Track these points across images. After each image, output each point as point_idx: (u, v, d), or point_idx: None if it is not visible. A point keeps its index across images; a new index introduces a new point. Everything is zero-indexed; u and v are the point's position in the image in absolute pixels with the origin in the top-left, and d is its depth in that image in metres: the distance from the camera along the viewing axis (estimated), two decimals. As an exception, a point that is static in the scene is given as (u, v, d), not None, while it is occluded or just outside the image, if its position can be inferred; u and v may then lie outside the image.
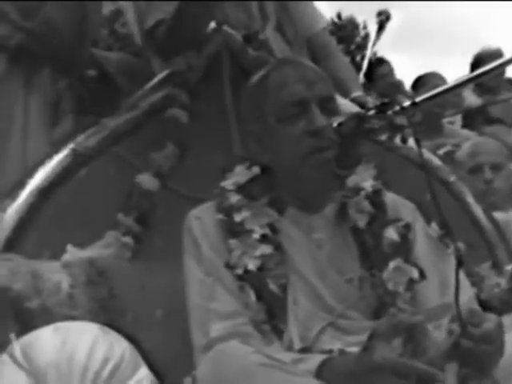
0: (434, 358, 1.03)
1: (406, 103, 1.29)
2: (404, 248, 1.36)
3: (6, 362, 1.16)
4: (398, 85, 3.97)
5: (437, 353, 1.04)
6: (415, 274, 1.34)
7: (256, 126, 1.39)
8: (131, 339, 1.26)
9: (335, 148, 1.30)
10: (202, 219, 1.36)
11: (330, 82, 1.41)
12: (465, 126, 3.70)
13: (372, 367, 1.02)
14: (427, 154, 1.88)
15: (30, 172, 1.63)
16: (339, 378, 1.06)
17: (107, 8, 2.07)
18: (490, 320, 1.11)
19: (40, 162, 1.65)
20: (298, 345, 1.26)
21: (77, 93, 1.91)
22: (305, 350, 1.24)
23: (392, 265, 1.33)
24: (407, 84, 4.00)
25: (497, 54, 3.62)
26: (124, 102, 1.80)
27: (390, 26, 3.64)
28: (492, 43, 4.08)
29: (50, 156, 1.66)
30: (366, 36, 17.56)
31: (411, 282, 1.33)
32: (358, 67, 3.93)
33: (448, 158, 2.43)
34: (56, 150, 1.67)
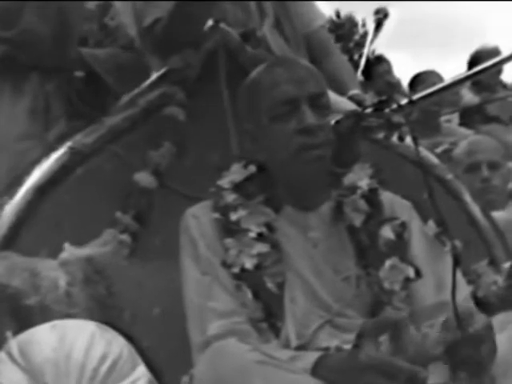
0: (415, 355, 1.04)
1: (404, 101, 1.29)
2: (400, 247, 1.37)
3: (3, 360, 1.16)
4: (396, 84, 3.97)
5: (418, 350, 1.05)
6: (411, 272, 1.34)
7: (250, 125, 1.40)
8: (129, 337, 1.26)
9: (330, 145, 1.30)
10: (198, 218, 1.36)
11: (321, 78, 1.41)
12: (462, 124, 3.71)
13: (360, 366, 1.03)
14: (424, 152, 1.88)
15: (28, 170, 1.63)
16: (334, 374, 1.07)
17: (94, 2, 2.05)
18: (477, 321, 1.11)
19: (37, 160, 1.65)
20: (294, 342, 1.27)
21: (66, 95, 1.91)
22: (301, 348, 1.25)
23: (388, 263, 1.34)
24: (405, 82, 4.00)
25: (494, 52, 3.63)
26: (114, 100, 1.80)
27: (389, 24, 3.64)
28: (490, 41, 4.08)
29: (47, 154, 1.66)
30: (365, 34, 17.55)
31: (407, 281, 1.34)
32: (357, 65, 3.92)
33: (445, 156, 2.43)
34: (53, 148, 1.67)
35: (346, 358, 1.08)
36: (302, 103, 1.32)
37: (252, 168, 1.40)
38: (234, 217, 1.33)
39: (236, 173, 1.40)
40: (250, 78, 1.43)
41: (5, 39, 1.82)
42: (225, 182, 1.39)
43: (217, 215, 1.35)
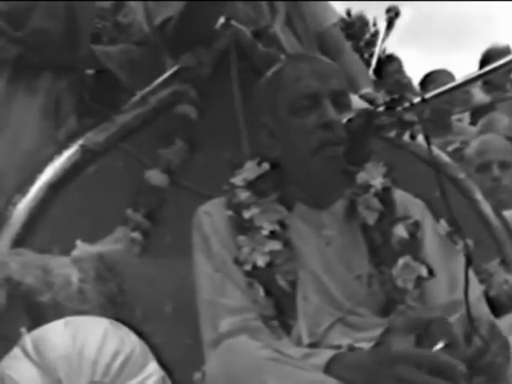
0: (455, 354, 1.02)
1: (416, 100, 1.29)
2: (413, 245, 1.36)
3: (17, 356, 1.17)
4: (407, 84, 3.96)
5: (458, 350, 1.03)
6: (424, 271, 1.34)
7: (268, 119, 1.39)
8: (140, 334, 1.26)
9: (344, 144, 1.30)
10: (211, 215, 1.36)
11: (343, 76, 1.41)
12: (473, 123, 3.69)
13: (388, 358, 1.01)
14: (436, 151, 1.87)
15: (40, 167, 1.64)
16: (350, 372, 1.05)
17: (107, 1, 2.06)
18: (481, 325, 1.10)
19: (50, 158, 1.66)
20: (306, 340, 1.27)
21: (77, 93, 1.92)
22: (313, 346, 1.25)
23: (401, 262, 1.33)
24: (416, 80, 3.99)
25: (505, 51, 3.61)
26: (126, 97, 1.81)
27: (400, 22, 3.63)
28: (501, 40, 4.07)
29: (59, 152, 1.67)
30: (376, 33, 17.52)
31: (420, 280, 1.33)
32: (367, 64, 3.91)
33: (456, 155, 2.43)
34: (65, 147, 1.68)
35: (366, 355, 1.07)
36: (324, 98, 1.32)
37: (265, 166, 1.40)
38: (247, 214, 1.33)
39: (249, 170, 1.39)
40: (271, 71, 1.43)
41: (17, 39, 1.83)
42: (238, 179, 1.39)
43: (230, 213, 1.35)
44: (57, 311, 1.29)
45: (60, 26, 1.85)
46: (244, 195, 1.36)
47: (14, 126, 1.84)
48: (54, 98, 1.89)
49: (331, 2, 2.27)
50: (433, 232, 1.41)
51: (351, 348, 1.20)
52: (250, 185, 1.38)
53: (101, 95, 1.91)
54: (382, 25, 3.67)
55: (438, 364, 0.99)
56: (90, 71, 1.97)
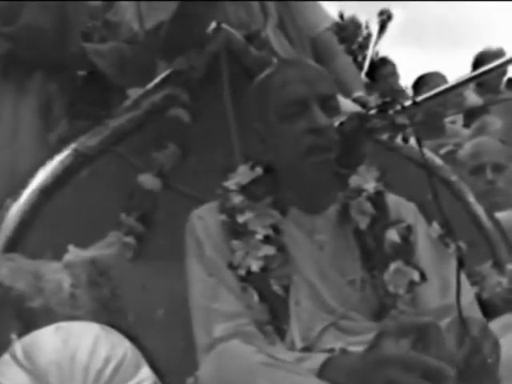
0: (444, 357, 1.02)
1: (408, 102, 1.29)
2: (405, 250, 1.36)
3: (7, 362, 1.15)
4: (400, 90, 3.97)
5: (441, 357, 1.03)
6: (416, 276, 1.34)
7: (259, 124, 1.39)
8: (133, 339, 1.25)
9: (336, 148, 1.29)
10: (205, 219, 1.36)
11: (331, 80, 1.41)
12: (466, 125, 3.70)
13: (379, 361, 1.01)
14: (429, 154, 1.88)
15: (32, 172, 1.63)
16: (342, 375, 1.06)
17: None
18: (473, 326, 1.10)
19: (42, 162, 1.65)
20: (299, 345, 1.26)
21: (68, 95, 1.91)
22: (306, 350, 1.25)
23: (393, 266, 1.33)
24: (407, 81, 4.00)
25: (498, 53, 3.62)
26: (117, 98, 1.80)
27: (395, 23, 3.64)
28: (494, 43, 4.09)
29: (51, 156, 1.66)
30: (368, 36, 17.56)
31: (412, 284, 1.33)
32: (360, 67, 3.92)
33: (449, 157, 2.43)
34: (57, 150, 1.67)
35: (357, 358, 1.07)
36: (311, 103, 1.32)
37: (259, 170, 1.39)
38: (240, 219, 1.33)
39: (243, 174, 1.39)
40: (260, 77, 1.43)
41: (7, 35, 1.82)
42: (231, 183, 1.38)
43: (223, 217, 1.34)
44: (48, 317, 1.28)
45: (51, 22, 1.83)
46: (237, 199, 1.36)
47: (5, 128, 1.83)
48: (45, 100, 1.88)
49: (324, 6, 2.28)
50: (425, 236, 1.41)
51: (344, 352, 1.20)
52: (243, 189, 1.37)
53: (92, 97, 1.90)
54: (374, 28, 3.69)
55: (425, 367, 0.99)
56: (81, 72, 1.96)
